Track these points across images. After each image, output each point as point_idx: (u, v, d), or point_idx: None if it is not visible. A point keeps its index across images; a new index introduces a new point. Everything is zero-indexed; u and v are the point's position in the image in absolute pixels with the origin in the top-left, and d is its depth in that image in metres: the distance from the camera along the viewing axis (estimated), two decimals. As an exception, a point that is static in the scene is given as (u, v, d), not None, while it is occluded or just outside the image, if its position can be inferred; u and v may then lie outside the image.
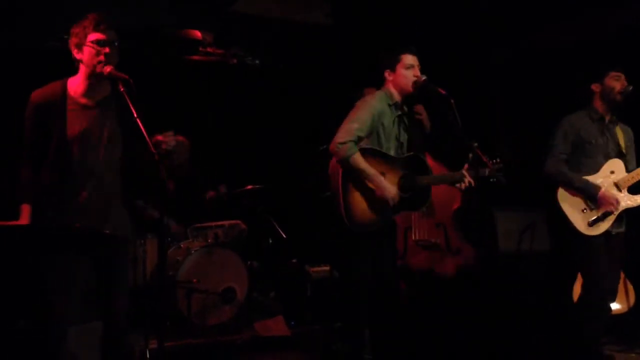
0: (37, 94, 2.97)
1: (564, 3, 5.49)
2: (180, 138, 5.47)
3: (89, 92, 2.99)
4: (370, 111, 3.59)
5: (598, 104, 4.01)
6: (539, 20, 5.80)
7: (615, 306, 4.36)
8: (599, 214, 3.87)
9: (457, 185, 3.59)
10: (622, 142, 4.02)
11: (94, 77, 2.95)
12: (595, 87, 4.01)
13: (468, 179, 3.55)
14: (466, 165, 3.57)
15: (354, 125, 3.54)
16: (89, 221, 2.94)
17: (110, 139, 3.00)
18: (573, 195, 3.91)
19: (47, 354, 2.83)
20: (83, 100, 2.98)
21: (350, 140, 3.50)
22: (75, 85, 2.99)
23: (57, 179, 2.93)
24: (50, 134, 2.92)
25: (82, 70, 2.98)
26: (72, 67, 3.02)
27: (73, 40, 2.94)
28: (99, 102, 3.01)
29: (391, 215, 3.60)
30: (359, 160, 3.49)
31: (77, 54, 2.95)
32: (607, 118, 4.01)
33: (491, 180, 3.61)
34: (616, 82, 3.95)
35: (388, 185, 3.51)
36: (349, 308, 3.70)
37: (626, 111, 4.04)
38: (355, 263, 3.62)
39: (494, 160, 3.61)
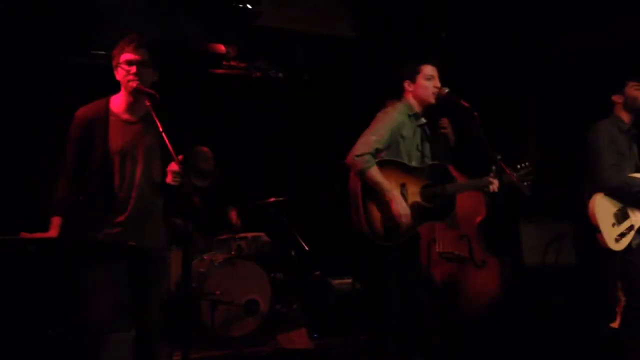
0: (81, 111, 3.09)
1: (596, 6, 5.46)
2: (205, 149, 5.57)
3: (130, 108, 3.09)
4: (389, 123, 3.58)
5: (623, 115, 3.96)
6: (574, 21, 5.77)
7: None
8: (625, 229, 3.83)
9: (485, 189, 3.53)
10: (638, 158, 4.01)
11: (131, 95, 3.06)
12: (616, 98, 3.97)
13: (497, 184, 3.50)
14: (494, 168, 3.51)
15: (372, 137, 3.52)
16: (127, 233, 3.02)
17: (150, 154, 3.08)
18: (607, 208, 3.85)
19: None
20: (125, 116, 3.09)
21: (368, 153, 3.47)
22: (118, 102, 3.10)
23: (98, 192, 3.01)
24: (93, 149, 3.02)
25: (122, 89, 3.09)
26: (104, 83, 3.14)
27: (113, 62, 3.08)
28: (141, 117, 3.10)
29: (416, 225, 3.54)
30: (375, 173, 3.47)
31: (116, 75, 3.08)
32: (632, 130, 3.98)
33: (524, 183, 3.54)
34: (637, 92, 3.91)
35: (401, 203, 3.46)
36: (376, 324, 3.63)
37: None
38: (381, 279, 3.56)
39: (523, 164, 3.56)
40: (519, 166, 3.57)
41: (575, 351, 4.36)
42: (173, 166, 2.95)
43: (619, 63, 5.20)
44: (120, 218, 3.02)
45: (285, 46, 6.24)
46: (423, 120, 3.71)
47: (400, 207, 3.44)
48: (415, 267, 3.68)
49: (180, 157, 2.91)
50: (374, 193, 3.52)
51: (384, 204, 3.49)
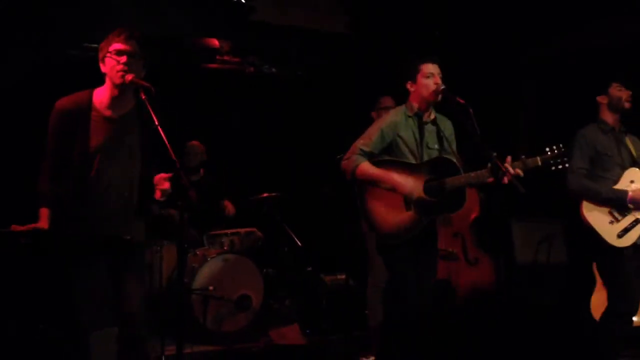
0: (62, 102, 3.00)
1: (595, 6, 5.47)
2: (196, 143, 5.55)
3: (113, 104, 3.02)
4: (378, 126, 3.61)
5: (607, 116, 4.00)
6: (573, 21, 5.78)
7: (635, 318, 4.31)
8: (628, 224, 3.84)
9: (485, 182, 3.40)
10: (634, 152, 4.01)
11: (116, 89, 2.99)
12: (601, 99, 4.01)
13: (512, 171, 3.33)
14: (508, 158, 3.40)
15: (360, 141, 3.58)
16: (105, 229, 2.98)
17: (131, 153, 3.03)
18: (598, 207, 3.86)
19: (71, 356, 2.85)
20: (107, 113, 3.01)
21: (354, 154, 3.53)
22: (101, 96, 3.03)
23: (77, 189, 2.95)
24: (72, 144, 2.95)
25: (107, 82, 3.02)
26: (96, 76, 3.06)
27: (99, 55, 3.00)
28: (122, 115, 3.04)
29: (423, 220, 3.48)
30: (367, 167, 3.48)
31: (102, 67, 3.00)
32: (617, 129, 4.00)
33: (553, 169, 3.43)
34: (621, 92, 3.95)
35: (404, 180, 3.42)
36: (386, 322, 3.62)
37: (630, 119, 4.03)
38: (394, 275, 3.54)
39: (553, 147, 3.44)
40: (547, 149, 3.46)
41: (566, 350, 4.39)
42: (164, 184, 2.94)
43: (617, 63, 5.23)
44: (99, 214, 2.97)
45: (279, 42, 6.22)
46: (432, 116, 3.67)
47: (407, 185, 3.42)
48: (428, 265, 3.61)
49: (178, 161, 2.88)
50: (372, 191, 3.51)
51: (389, 199, 3.47)
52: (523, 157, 3.44)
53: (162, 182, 2.96)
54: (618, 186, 3.90)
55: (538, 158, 3.44)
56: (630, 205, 3.83)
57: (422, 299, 3.54)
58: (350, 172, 3.52)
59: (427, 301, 3.57)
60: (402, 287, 3.49)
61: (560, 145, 3.46)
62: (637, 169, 3.96)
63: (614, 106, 3.96)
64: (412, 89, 3.64)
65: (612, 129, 3.98)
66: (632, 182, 3.92)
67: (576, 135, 3.99)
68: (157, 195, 2.97)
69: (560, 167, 3.45)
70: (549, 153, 3.46)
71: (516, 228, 5.44)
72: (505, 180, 3.32)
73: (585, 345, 4.04)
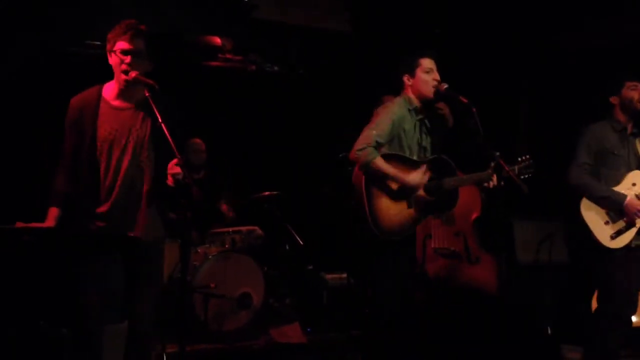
0: (74, 99, 3.05)
1: (594, 6, 5.48)
2: (198, 140, 5.55)
3: (122, 94, 3.04)
4: (390, 117, 3.56)
5: (620, 115, 3.98)
6: (572, 21, 5.79)
7: (634, 318, 4.31)
8: (622, 226, 3.84)
9: (485, 184, 3.50)
10: None
11: (122, 82, 3.00)
12: (613, 100, 3.98)
13: (495, 180, 3.45)
14: (493, 165, 3.46)
15: (373, 131, 3.51)
16: (118, 223, 2.98)
17: (140, 141, 3.02)
18: (596, 207, 3.86)
19: (78, 355, 2.85)
20: (116, 103, 3.04)
21: (370, 146, 3.46)
22: (110, 88, 3.06)
23: (87, 180, 2.95)
24: (83, 136, 2.97)
25: (115, 74, 3.04)
26: (97, 74, 3.09)
27: (107, 47, 3.02)
28: (132, 105, 3.04)
29: (420, 219, 3.54)
30: (380, 163, 3.46)
31: (109, 60, 3.02)
32: (629, 129, 3.99)
33: (521, 177, 3.50)
34: (634, 92, 3.91)
35: (414, 178, 3.47)
36: (371, 317, 3.66)
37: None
38: (380, 272, 3.57)
39: (523, 157, 3.54)
40: (520, 159, 3.56)
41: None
42: (175, 169, 2.91)
43: (616, 63, 5.24)
44: (103, 208, 2.97)
45: (281, 40, 6.22)
46: (424, 112, 3.68)
47: (417, 183, 3.48)
48: (408, 263, 3.67)
49: (181, 158, 2.88)
50: (380, 186, 3.51)
51: (394, 196, 3.49)
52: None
53: (173, 167, 2.94)
54: (619, 187, 3.89)
55: (515, 167, 3.52)
56: (625, 211, 3.81)
57: (401, 292, 3.58)
58: (363, 164, 3.47)
59: (405, 295, 3.61)
60: (391, 285, 3.53)
61: (528, 156, 3.56)
62: None
63: (626, 108, 3.93)
64: (409, 83, 3.63)
65: (624, 128, 3.96)
66: (634, 184, 3.91)
67: (585, 129, 3.96)
68: (169, 181, 2.95)
69: (527, 176, 3.54)
70: (521, 163, 3.54)
71: (517, 227, 5.44)
72: (511, 173, 3.40)
73: (586, 345, 4.03)
